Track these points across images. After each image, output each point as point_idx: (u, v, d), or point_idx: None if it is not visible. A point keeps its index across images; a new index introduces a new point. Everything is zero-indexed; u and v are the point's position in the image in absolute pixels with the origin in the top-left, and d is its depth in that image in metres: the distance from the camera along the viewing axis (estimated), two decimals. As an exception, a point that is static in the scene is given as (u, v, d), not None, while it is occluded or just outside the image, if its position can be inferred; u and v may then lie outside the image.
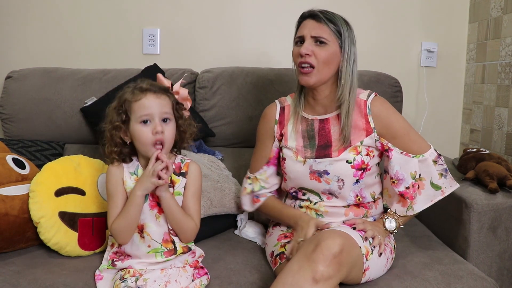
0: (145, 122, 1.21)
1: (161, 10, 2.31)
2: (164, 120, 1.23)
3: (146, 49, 2.33)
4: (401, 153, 1.39)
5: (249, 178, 1.56)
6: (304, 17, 1.41)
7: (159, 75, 1.31)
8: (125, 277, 1.21)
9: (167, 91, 1.27)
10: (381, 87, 2.00)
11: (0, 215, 1.34)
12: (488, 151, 1.73)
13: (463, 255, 1.49)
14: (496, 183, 1.51)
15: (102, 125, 1.26)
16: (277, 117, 1.50)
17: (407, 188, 1.38)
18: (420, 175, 1.39)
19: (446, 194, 1.40)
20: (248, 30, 2.32)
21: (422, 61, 2.33)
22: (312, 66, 1.34)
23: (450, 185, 1.40)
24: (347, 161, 1.36)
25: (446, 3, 2.31)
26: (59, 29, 2.33)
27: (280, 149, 1.49)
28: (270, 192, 1.54)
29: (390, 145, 1.39)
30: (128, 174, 1.27)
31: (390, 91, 2.02)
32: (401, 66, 2.32)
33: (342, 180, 1.37)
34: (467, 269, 1.35)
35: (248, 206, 1.56)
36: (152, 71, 1.98)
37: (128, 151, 1.28)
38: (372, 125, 1.39)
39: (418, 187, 1.39)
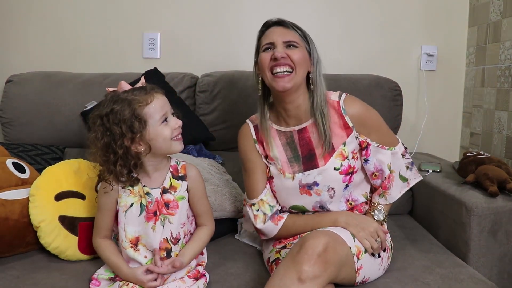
0: (165, 120, 1.22)
1: (161, 14, 2.32)
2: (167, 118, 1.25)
3: (147, 53, 2.33)
4: (378, 146, 1.39)
5: (253, 205, 1.42)
6: (269, 25, 1.39)
7: (122, 82, 1.27)
8: None
9: (156, 89, 1.26)
10: (381, 90, 2.00)
11: (0, 219, 1.34)
12: (488, 155, 1.73)
13: (464, 259, 1.49)
14: (496, 187, 1.50)
15: (102, 155, 1.20)
16: (254, 137, 1.44)
17: (384, 178, 1.42)
18: (390, 167, 1.41)
19: (411, 186, 1.45)
20: (248, 34, 2.31)
21: (422, 65, 2.33)
22: (291, 68, 1.31)
23: (414, 178, 1.46)
24: (334, 168, 1.35)
25: (445, 7, 2.31)
26: (60, 33, 2.33)
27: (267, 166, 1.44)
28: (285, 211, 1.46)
29: (368, 140, 1.39)
30: (121, 188, 1.26)
31: (390, 94, 2.02)
32: (401, 70, 2.32)
33: (332, 188, 1.36)
34: (468, 273, 1.34)
35: (272, 230, 1.40)
36: (152, 75, 1.98)
37: (125, 167, 1.22)
38: (350, 124, 1.37)
39: (390, 178, 1.42)
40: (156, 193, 1.26)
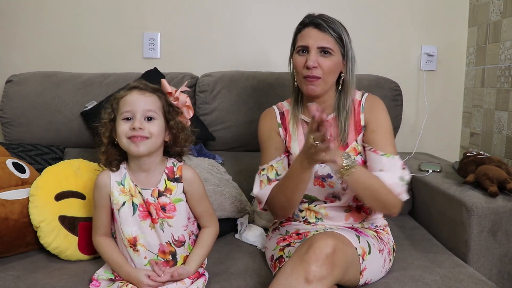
0: (127, 119, 1.19)
1: (161, 14, 2.32)
2: (149, 119, 1.20)
3: (147, 53, 2.33)
4: (370, 149, 1.36)
5: (263, 170, 1.43)
6: (305, 24, 1.38)
7: (163, 81, 1.30)
8: None
9: (157, 91, 1.24)
10: (381, 90, 2.00)
11: (0, 219, 1.34)
12: (488, 155, 1.73)
13: (464, 259, 1.49)
14: (496, 187, 1.50)
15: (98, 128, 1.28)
16: (279, 121, 1.47)
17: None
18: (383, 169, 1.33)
19: (390, 187, 1.30)
20: (248, 34, 2.33)
21: (422, 65, 2.33)
22: (320, 75, 1.34)
23: (400, 190, 1.31)
24: None
25: (445, 7, 2.31)
26: (59, 33, 2.33)
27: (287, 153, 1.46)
28: None
29: (366, 144, 1.39)
30: (115, 185, 1.25)
31: (390, 94, 2.02)
32: (401, 70, 2.32)
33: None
34: (468, 273, 1.34)
35: (265, 192, 1.39)
36: (152, 75, 1.98)
37: (116, 153, 1.26)
38: (363, 123, 1.40)
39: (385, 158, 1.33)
40: (146, 194, 1.24)
